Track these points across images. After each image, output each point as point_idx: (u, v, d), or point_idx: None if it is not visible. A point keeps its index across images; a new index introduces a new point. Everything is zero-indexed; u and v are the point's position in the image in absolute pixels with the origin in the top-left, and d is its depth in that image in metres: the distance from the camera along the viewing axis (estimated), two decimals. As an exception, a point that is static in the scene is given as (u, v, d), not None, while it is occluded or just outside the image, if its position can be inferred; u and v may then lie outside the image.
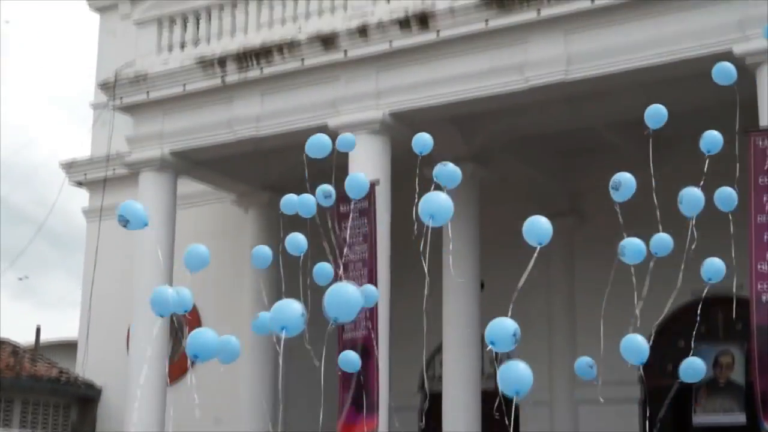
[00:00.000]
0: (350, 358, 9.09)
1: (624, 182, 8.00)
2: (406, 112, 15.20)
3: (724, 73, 9.24)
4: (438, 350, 17.13)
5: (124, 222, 6.67)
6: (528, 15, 14.26)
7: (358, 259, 14.41)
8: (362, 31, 15.37)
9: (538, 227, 6.93)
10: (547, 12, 14.10)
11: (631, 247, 7.74)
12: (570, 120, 16.61)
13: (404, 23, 15.08)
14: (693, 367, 8.31)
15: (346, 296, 5.43)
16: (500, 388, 5.43)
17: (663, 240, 8.19)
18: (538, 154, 18.57)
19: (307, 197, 9.36)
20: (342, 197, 14.33)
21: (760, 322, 11.95)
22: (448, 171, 8.18)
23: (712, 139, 8.92)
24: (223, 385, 18.20)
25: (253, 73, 16.27)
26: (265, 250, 9.31)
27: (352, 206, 14.12)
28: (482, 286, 16.64)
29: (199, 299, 16.75)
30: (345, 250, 14.16)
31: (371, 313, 13.84)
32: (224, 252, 18.48)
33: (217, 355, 6.26)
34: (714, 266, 8.58)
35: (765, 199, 12.21)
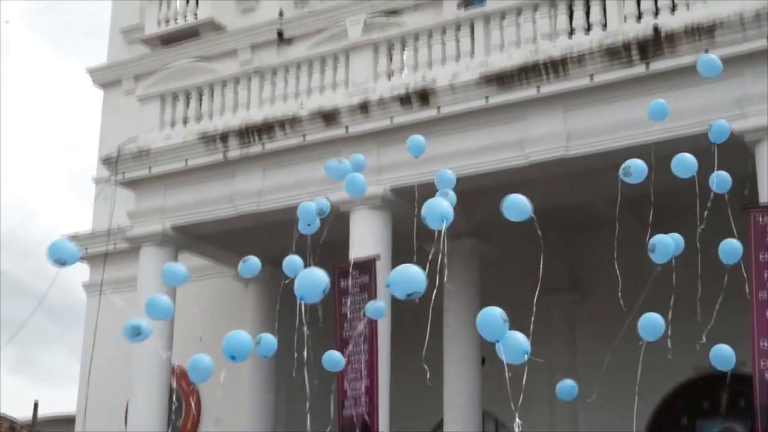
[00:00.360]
0: (334, 358, 9.04)
1: (635, 167, 8.09)
2: (407, 188, 15.23)
3: (709, 65, 9.35)
4: (439, 426, 16.98)
5: (62, 262, 6.56)
6: (528, 92, 14.40)
7: (358, 334, 14.35)
8: (363, 108, 15.51)
9: (516, 202, 7.11)
10: (546, 89, 14.24)
11: (661, 242, 7.79)
12: (570, 195, 16.66)
13: (405, 100, 15.22)
14: (722, 354, 8.29)
15: (410, 274, 6.08)
16: (506, 359, 5.81)
17: (677, 240, 8.26)
18: (539, 229, 18.56)
19: (308, 206, 9.49)
20: (342, 272, 14.39)
21: (763, 400, 11.86)
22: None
23: (719, 127, 9.01)
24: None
25: (255, 148, 16.38)
26: (254, 261, 9.42)
27: (352, 282, 14.12)
28: (483, 362, 16.55)
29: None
30: (345, 325, 14.12)
31: (371, 390, 13.76)
32: (224, 327, 18.38)
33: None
34: (730, 246, 8.55)
35: (766, 275, 12.19)
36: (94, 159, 22.73)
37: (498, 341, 5.88)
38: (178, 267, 7.80)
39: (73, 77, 57.05)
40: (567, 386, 8.50)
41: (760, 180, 12.78)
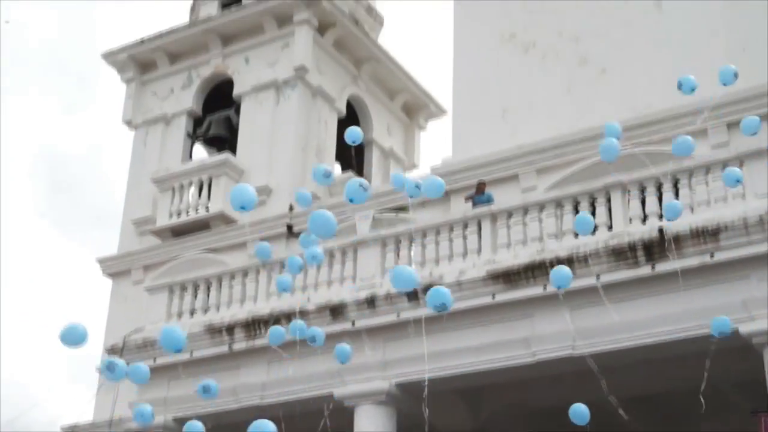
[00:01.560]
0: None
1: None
2: (412, 384, 15.12)
3: (726, 74, 9.89)
4: None
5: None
6: (534, 290, 14.46)
7: None
8: (370, 302, 15.56)
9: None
10: (553, 287, 14.28)
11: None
12: (578, 395, 16.46)
13: (412, 295, 15.24)
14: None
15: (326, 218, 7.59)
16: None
17: None
18: (546, 428, 18.31)
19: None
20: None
21: None
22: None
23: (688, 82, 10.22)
24: None
25: (261, 341, 16.32)
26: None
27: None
28: None
29: None
30: None
31: None
32: None
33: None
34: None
35: (780, 482, 11.94)
36: (98, 348, 22.66)
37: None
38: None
39: (80, 263, 57.50)
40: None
41: (769, 383, 12.67)
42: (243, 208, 8.47)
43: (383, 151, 25.96)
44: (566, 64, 19.60)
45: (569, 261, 14.19)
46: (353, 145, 10.82)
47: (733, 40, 17.62)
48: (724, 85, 10.73)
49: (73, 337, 7.86)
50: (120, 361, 8.10)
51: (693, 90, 10.93)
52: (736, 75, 10.66)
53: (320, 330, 11.73)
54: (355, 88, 25.01)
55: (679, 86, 10.84)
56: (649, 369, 14.41)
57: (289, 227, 21.89)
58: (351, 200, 8.57)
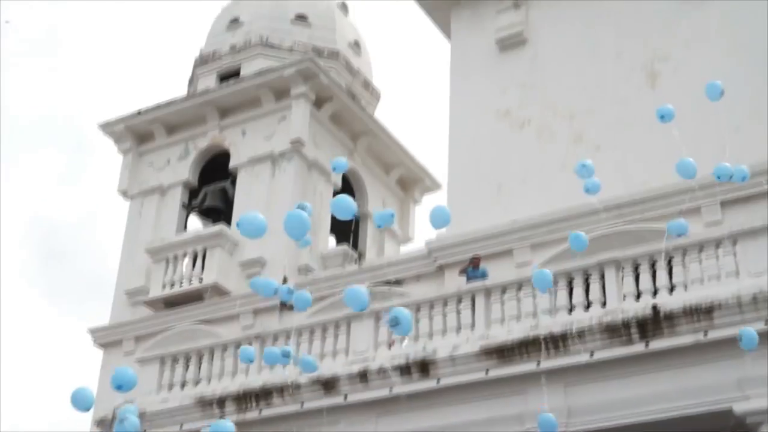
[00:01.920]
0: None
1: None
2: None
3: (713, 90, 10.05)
4: None
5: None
6: (528, 366, 14.39)
7: None
8: (363, 376, 15.47)
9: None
10: (546, 364, 14.24)
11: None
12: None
13: (405, 369, 15.20)
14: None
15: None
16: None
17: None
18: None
19: None
20: None
21: None
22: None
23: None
24: None
25: (252, 414, 16.22)
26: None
27: None
28: None
29: None
30: None
31: None
32: None
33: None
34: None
35: None
36: (87, 419, 22.42)
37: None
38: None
39: (72, 333, 57.15)
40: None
41: (767, 451, 12.57)
42: (238, 224, 8.59)
43: (378, 225, 25.95)
44: (561, 141, 19.72)
45: (563, 337, 14.17)
46: (336, 173, 11.19)
47: (727, 118, 17.76)
48: (712, 101, 11.07)
49: (83, 401, 8.02)
50: (130, 415, 8.13)
51: (663, 118, 11.27)
52: (722, 92, 10.86)
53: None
54: (351, 162, 25.13)
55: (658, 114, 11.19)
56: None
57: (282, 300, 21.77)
58: (378, 226, 8.98)
